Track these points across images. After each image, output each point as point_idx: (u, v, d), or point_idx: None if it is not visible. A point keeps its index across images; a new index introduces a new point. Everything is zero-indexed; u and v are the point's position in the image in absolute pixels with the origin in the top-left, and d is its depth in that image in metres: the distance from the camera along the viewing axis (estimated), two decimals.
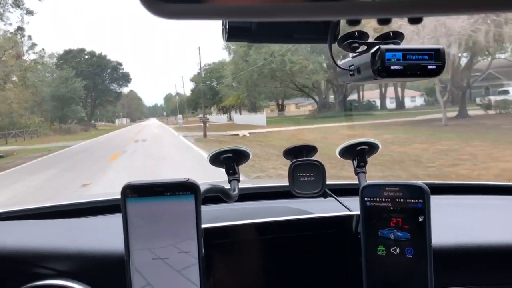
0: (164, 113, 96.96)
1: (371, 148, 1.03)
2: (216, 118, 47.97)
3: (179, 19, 0.33)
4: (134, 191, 0.68)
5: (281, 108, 47.39)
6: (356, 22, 0.45)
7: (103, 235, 0.98)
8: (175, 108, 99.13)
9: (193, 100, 62.77)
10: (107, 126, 63.40)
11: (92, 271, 0.86)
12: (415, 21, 0.43)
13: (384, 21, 0.44)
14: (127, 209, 0.68)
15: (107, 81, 62.30)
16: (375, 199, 0.79)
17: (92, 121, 60.24)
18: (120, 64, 62.49)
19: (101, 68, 60.49)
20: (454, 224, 1.05)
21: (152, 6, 0.32)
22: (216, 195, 0.90)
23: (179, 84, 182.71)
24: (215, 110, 65.91)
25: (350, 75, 0.65)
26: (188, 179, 0.69)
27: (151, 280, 0.69)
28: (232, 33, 0.58)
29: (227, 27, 0.58)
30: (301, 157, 1.01)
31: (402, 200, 0.77)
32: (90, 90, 56.81)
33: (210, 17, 0.34)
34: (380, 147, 1.03)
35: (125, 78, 62.27)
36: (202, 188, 0.74)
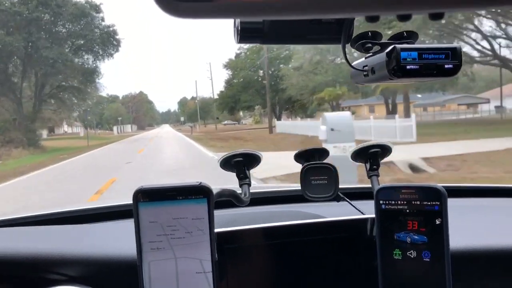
0: (182, 118, 76.77)
1: (384, 150, 1.01)
2: (293, 124, 29.75)
3: (194, 18, 0.33)
4: (146, 195, 0.69)
5: (391, 109, 29.94)
6: (375, 19, 0.44)
7: (114, 241, 0.98)
8: (194, 113, 77.37)
9: (230, 97, 41.42)
10: (74, 137, 41.68)
11: (104, 277, 0.87)
12: (436, 16, 0.42)
13: (404, 17, 0.43)
14: (139, 214, 0.68)
15: (70, 45, 28.85)
16: (390, 202, 0.79)
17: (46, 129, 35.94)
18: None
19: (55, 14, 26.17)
20: (472, 227, 1.05)
21: (167, 5, 0.31)
22: (228, 200, 0.90)
23: (200, 85, 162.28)
24: (257, 111, 45.60)
25: (364, 75, 0.64)
26: (201, 183, 0.69)
27: (163, 285, 0.69)
28: (244, 34, 0.58)
29: (239, 28, 0.57)
30: (313, 160, 1.00)
31: (418, 202, 0.76)
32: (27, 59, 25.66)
33: (224, 15, 0.33)
34: (392, 149, 1.01)
35: (111, 44, 29.87)
36: (214, 192, 0.75)
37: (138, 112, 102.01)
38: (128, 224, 0.76)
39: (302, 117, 35.73)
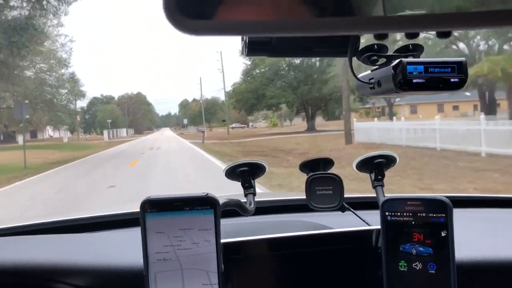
0: (185, 121, 66.76)
1: (389, 161, 1.01)
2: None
3: (203, 35, 0.33)
4: (153, 206, 0.69)
5: (489, 107, 18.05)
6: (383, 36, 0.45)
7: (119, 249, 0.99)
8: (198, 115, 67.53)
9: (251, 92, 31.52)
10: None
11: (109, 286, 0.87)
12: (443, 34, 0.42)
13: (412, 35, 0.44)
14: (146, 224, 0.69)
15: None
16: (396, 213, 0.79)
17: None
18: None
19: None
20: (477, 238, 1.06)
21: (178, 22, 0.32)
22: (233, 209, 0.90)
23: (204, 84, 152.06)
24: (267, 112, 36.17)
25: (370, 88, 0.65)
26: (207, 194, 0.70)
27: None
28: (252, 48, 0.59)
29: (247, 41, 0.59)
30: (317, 170, 1.01)
31: (424, 214, 0.76)
32: None
33: (232, 33, 0.34)
34: (398, 160, 1.02)
35: None
36: (220, 202, 0.78)
37: (136, 115, 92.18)
38: (133, 233, 0.73)
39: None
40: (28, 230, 1.22)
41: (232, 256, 0.84)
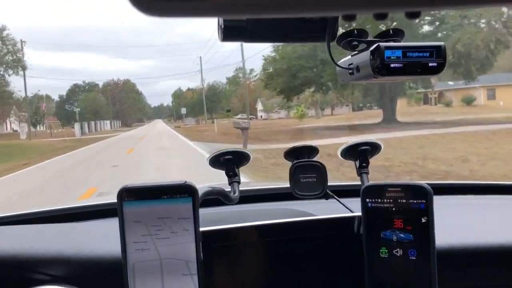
0: (183, 110, 53.66)
1: (373, 148, 1.02)
2: None
3: (171, 17, 0.32)
4: (130, 194, 0.68)
5: None
6: (352, 18, 0.44)
7: (99, 239, 0.99)
8: (198, 103, 55.06)
9: (287, 70, 19.00)
10: None
11: (88, 276, 0.87)
12: (413, 15, 0.43)
13: (380, 16, 0.43)
14: (123, 213, 0.68)
15: None
16: (376, 200, 0.79)
17: None
18: None
19: None
20: (458, 224, 1.07)
21: (141, 3, 0.30)
22: (217, 198, 0.92)
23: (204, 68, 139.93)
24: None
25: (350, 73, 0.65)
26: (186, 182, 0.69)
27: (148, 284, 0.69)
28: (228, 33, 0.58)
29: (222, 26, 0.58)
30: (302, 158, 1.00)
31: (404, 201, 0.77)
32: None
33: (203, 15, 0.32)
34: (382, 147, 1.03)
35: None
36: (202, 190, 0.79)
37: (123, 104, 79.52)
38: (113, 223, 0.73)
39: None
40: (4, 221, 1.21)
41: (213, 245, 0.84)
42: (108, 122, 61.26)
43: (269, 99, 59.73)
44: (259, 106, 66.67)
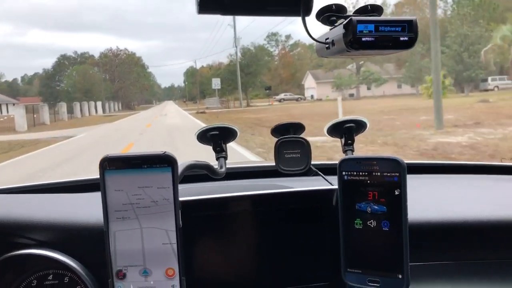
0: (217, 83, 35.24)
1: (359, 126, 1.04)
2: None
3: None
4: (112, 163, 0.70)
5: None
6: None
7: (84, 208, 1.02)
8: (225, 80, 36.45)
9: None
10: None
11: (72, 242, 0.91)
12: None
13: None
14: (105, 181, 0.70)
15: None
16: (352, 173, 0.82)
17: None
18: None
19: None
20: (434, 200, 1.12)
21: None
22: (205, 174, 0.94)
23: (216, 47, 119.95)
24: None
25: (326, 48, 0.66)
26: (165, 152, 0.71)
27: (129, 256, 0.71)
28: (204, 5, 0.59)
29: None
30: (288, 134, 1.03)
31: (378, 173, 0.79)
32: None
33: None
34: (368, 125, 1.05)
35: None
36: (186, 164, 0.81)
37: (124, 81, 61.99)
38: (97, 196, 0.75)
39: None
40: None
41: (193, 214, 0.87)
42: (99, 104, 44.06)
43: (328, 70, 41.90)
44: (308, 82, 48.85)
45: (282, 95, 46.37)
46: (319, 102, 37.38)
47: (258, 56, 46.09)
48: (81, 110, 36.78)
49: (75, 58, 66.45)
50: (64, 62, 65.02)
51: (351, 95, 42.39)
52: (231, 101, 40.67)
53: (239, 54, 41.06)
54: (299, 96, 47.13)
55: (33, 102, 40.97)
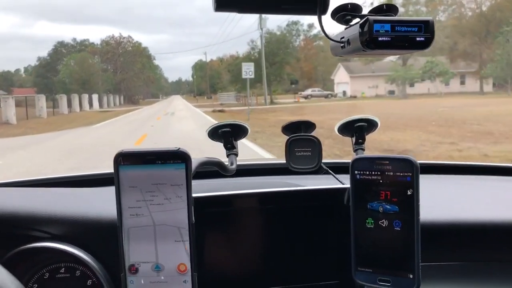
0: (249, 69, 25.19)
1: (370, 125, 1.07)
2: None
3: None
4: (126, 159, 0.71)
5: None
6: None
7: (98, 203, 1.07)
8: (237, 74, 28.92)
9: None
10: None
11: (85, 236, 0.95)
12: None
13: None
14: (119, 176, 0.71)
15: None
16: (365, 172, 0.84)
17: None
18: None
19: None
20: (446, 201, 1.17)
21: None
22: (216, 170, 0.97)
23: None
24: None
25: (342, 47, 0.67)
26: (179, 148, 0.72)
27: (142, 246, 0.73)
28: (221, 3, 0.60)
29: None
30: (299, 132, 1.06)
31: (391, 173, 0.81)
32: None
33: None
34: (379, 124, 1.07)
35: None
36: (199, 161, 0.83)
37: (127, 72, 55.62)
38: (111, 190, 0.77)
39: None
40: (11, 185, 1.30)
41: (205, 210, 0.91)
42: (96, 97, 38.01)
43: (368, 62, 35.35)
44: (339, 77, 42.43)
45: (309, 91, 42.05)
46: (354, 101, 30.93)
47: (286, 42, 39.45)
48: (80, 103, 30.85)
49: (74, 45, 61.08)
50: (62, 50, 59.63)
51: (391, 92, 35.93)
52: (245, 97, 34.28)
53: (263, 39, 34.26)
54: (329, 92, 41.81)
55: (27, 94, 35.17)
